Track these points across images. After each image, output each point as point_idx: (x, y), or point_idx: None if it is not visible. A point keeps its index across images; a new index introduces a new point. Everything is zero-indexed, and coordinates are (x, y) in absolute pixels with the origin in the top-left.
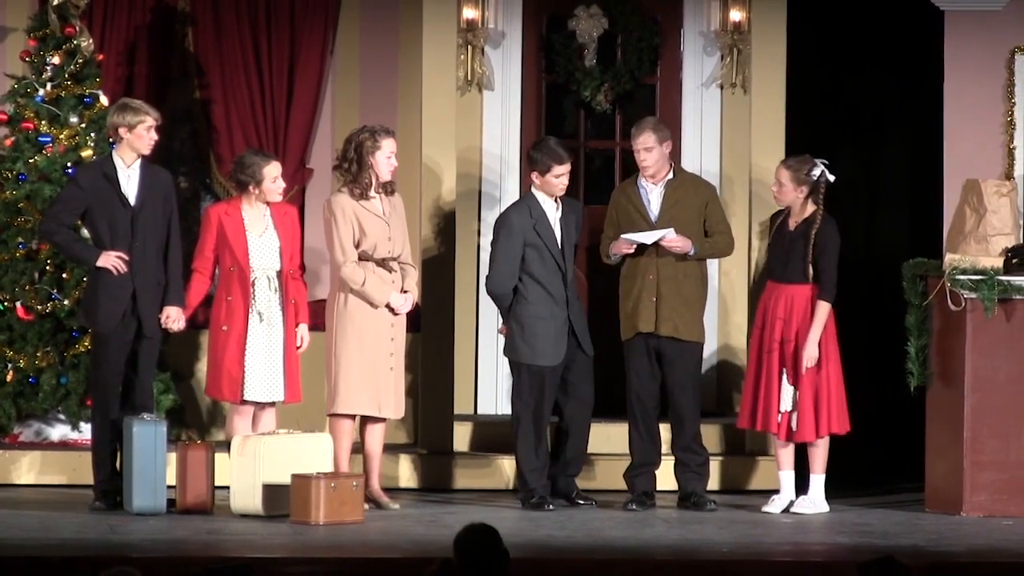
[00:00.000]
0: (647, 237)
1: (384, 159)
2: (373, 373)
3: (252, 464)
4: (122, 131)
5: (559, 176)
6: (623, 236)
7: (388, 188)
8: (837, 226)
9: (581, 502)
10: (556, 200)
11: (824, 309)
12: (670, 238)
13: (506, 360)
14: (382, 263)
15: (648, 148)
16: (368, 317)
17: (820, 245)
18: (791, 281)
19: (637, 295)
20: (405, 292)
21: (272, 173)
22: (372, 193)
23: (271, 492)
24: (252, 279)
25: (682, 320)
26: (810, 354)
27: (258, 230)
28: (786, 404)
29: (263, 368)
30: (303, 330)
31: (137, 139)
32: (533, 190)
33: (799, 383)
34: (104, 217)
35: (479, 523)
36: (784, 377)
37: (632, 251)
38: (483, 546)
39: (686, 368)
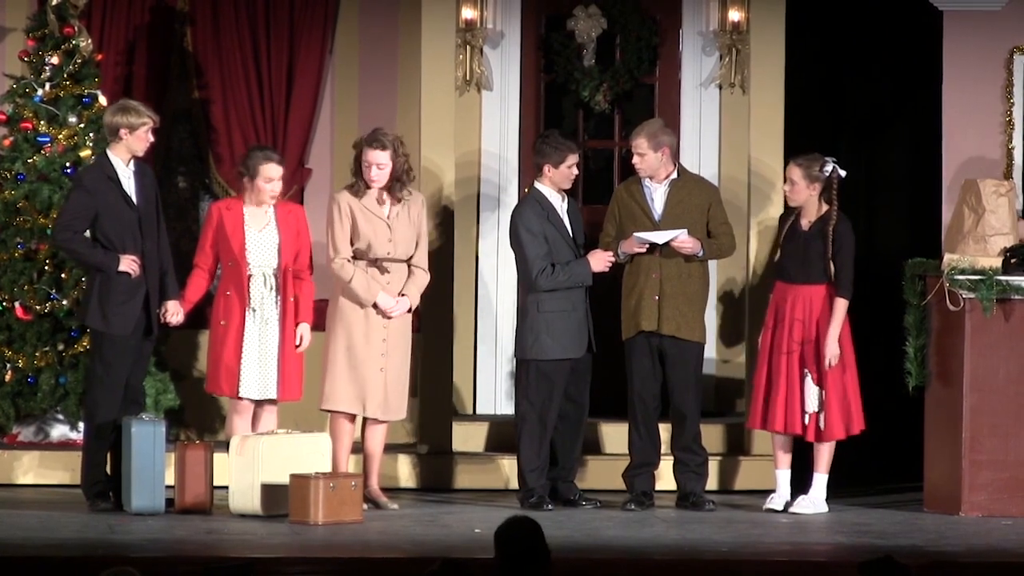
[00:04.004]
0: (660, 236)
1: (364, 168)
2: (360, 372)
3: (251, 464)
4: (123, 132)
5: (571, 166)
6: (636, 235)
7: (393, 193)
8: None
9: (585, 503)
10: (562, 194)
11: (843, 306)
12: (682, 239)
13: (505, 359)
14: (374, 263)
15: (641, 153)
16: (359, 316)
17: (838, 243)
18: (809, 282)
19: (640, 293)
20: (402, 295)
21: (267, 172)
22: (373, 194)
23: (270, 492)
24: (248, 275)
25: (684, 320)
26: (833, 352)
27: (258, 226)
28: (812, 405)
29: (256, 366)
30: (303, 329)
31: (137, 141)
32: (538, 185)
33: (825, 383)
34: (113, 220)
35: (523, 516)
36: (808, 378)
37: (643, 250)
38: (526, 540)
39: (688, 368)
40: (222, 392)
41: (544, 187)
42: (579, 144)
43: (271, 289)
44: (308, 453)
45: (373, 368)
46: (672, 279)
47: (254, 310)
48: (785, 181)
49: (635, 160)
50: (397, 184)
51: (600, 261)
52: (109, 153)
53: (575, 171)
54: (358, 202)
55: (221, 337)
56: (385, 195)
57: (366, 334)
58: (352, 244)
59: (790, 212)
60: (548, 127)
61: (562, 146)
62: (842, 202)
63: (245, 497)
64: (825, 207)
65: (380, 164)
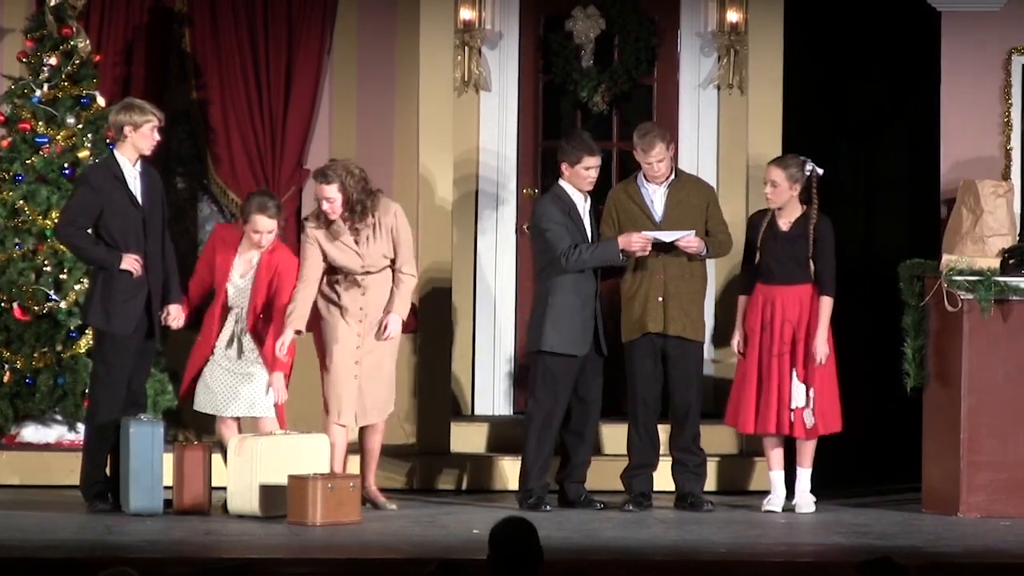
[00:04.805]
0: (668, 236)
1: (318, 201)
2: (334, 380)
3: (249, 465)
4: (127, 130)
5: (589, 168)
6: (644, 234)
7: (354, 222)
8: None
9: (600, 505)
10: (584, 194)
11: (829, 304)
12: (688, 239)
13: (503, 360)
14: (348, 276)
15: (661, 159)
16: (334, 325)
17: (820, 242)
18: (794, 282)
19: (644, 295)
20: (390, 312)
21: (255, 225)
22: (337, 223)
23: (268, 493)
24: (227, 307)
25: (689, 319)
26: (824, 352)
27: (242, 269)
28: (799, 401)
29: (222, 385)
30: (276, 380)
31: (142, 139)
32: (561, 182)
33: (815, 380)
34: (118, 219)
35: (518, 517)
36: (795, 376)
37: (647, 252)
38: (520, 540)
39: (690, 368)
40: (188, 399)
41: (566, 185)
42: (598, 148)
43: (243, 330)
44: (307, 454)
45: (347, 376)
46: (676, 279)
47: (225, 342)
48: (766, 183)
49: (656, 168)
50: (356, 214)
51: (629, 240)
52: (116, 153)
53: (592, 174)
54: (324, 232)
55: (202, 351)
56: (348, 224)
57: (341, 343)
58: (327, 263)
59: (762, 214)
60: (547, 128)
61: (580, 146)
62: (840, 202)
63: (243, 498)
64: (803, 207)
65: (328, 198)
